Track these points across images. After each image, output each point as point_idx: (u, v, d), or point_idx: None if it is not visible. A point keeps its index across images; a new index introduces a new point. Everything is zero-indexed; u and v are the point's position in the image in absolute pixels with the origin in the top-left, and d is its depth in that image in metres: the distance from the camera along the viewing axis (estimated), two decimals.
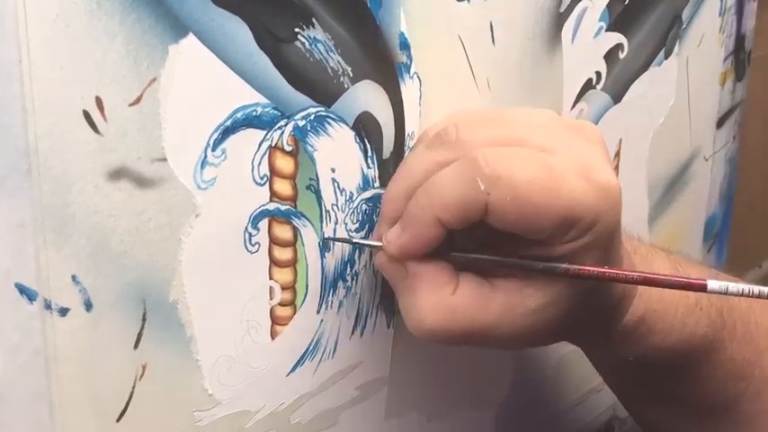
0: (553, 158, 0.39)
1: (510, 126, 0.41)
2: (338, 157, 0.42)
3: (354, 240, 0.43)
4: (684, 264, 0.50)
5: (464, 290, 0.40)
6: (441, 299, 0.40)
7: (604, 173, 0.40)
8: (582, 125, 0.43)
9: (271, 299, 0.41)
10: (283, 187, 0.40)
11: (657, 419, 0.54)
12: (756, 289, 0.40)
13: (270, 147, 0.39)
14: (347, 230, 0.43)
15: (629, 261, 0.45)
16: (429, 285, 0.40)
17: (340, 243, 0.43)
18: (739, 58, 0.75)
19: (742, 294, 0.40)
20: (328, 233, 0.42)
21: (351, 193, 0.43)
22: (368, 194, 0.44)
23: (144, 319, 0.36)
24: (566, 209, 0.38)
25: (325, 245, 0.42)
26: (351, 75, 0.41)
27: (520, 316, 0.40)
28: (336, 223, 0.43)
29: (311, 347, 0.44)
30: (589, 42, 0.56)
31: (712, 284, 0.40)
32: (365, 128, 0.43)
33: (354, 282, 0.45)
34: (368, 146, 0.43)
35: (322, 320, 0.44)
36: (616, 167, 0.63)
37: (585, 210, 0.39)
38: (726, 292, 0.40)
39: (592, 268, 0.40)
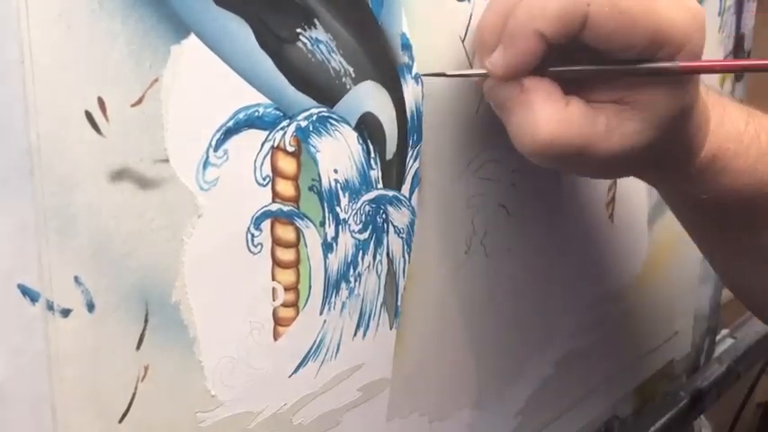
0: None
1: None
2: (341, 158, 0.42)
3: (451, 73, 0.44)
4: (757, 113, 0.52)
5: (575, 106, 0.42)
6: (557, 109, 0.41)
7: (694, 3, 0.42)
8: None
9: (273, 300, 0.41)
10: (286, 188, 0.40)
11: (739, 276, 0.57)
12: None
13: (272, 147, 0.39)
14: (350, 232, 0.43)
15: (703, 103, 0.47)
16: (545, 97, 0.41)
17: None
18: (738, 57, 0.75)
19: None
20: (331, 234, 0.42)
21: (354, 194, 0.43)
22: (371, 195, 0.44)
23: (146, 321, 0.36)
24: (660, 24, 0.40)
25: (327, 246, 0.42)
26: (353, 75, 0.41)
27: (620, 137, 0.42)
28: (339, 224, 0.42)
29: (314, 348, 0.43)
30: None
31: None
32: (368, 128, 0.43)
33: (357, 283, 0.44)
34: (370, 146, 0.43)
35: (325, 321, 0.43)
36: None
37: (677, 30, 0.40)
38: None
39: (695, 63, 0.42)
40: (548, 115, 0.41)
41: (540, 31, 0.40)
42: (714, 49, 0.71)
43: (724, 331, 0.97)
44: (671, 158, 0.47)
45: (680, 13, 0.41)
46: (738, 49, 0.75)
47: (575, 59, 0.42)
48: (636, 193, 0.67)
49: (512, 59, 0.41)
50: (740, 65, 0.43)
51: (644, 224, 0.69)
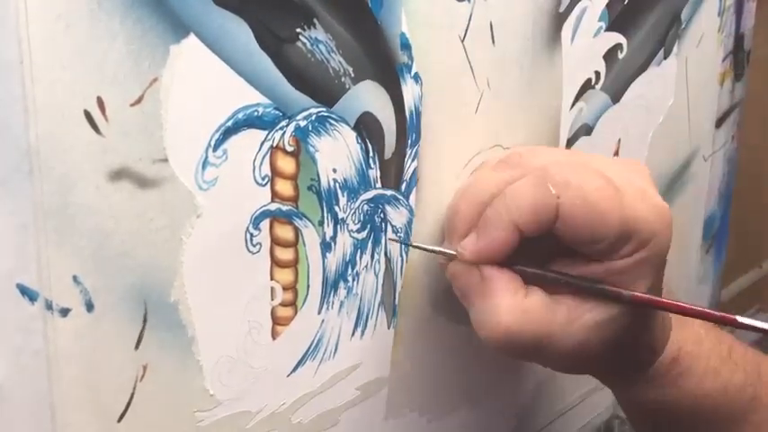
0: (614, 180, 0.42)
1: (572, 153, 0.45)
2: (340, 158, 0.42)
3: (429, 248, 0.45)
4: (713, 327, 0.52)
5: (534, 297, 0.42)
6: (516, 300, 0.42)
7: (658, 198, 0.44)
8: (631, 161, 0.47)
9: (272, 299, 0.41)
10: (285, 188, 0.40)
11: None
12: None
13: (271, 147, 0.39)
14: (349, 231, 0.43)
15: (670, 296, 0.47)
16: (505, 288, 0.42)
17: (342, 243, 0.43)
18: (738, 57, 0.75)
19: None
20: (329, 234, 0.42)
21: (352, 193, 0.43)
22: (369, 195, 0.44)
23: (145, 320, 0.36)
24: (627, 218, 0.41)
25: (326, 246, 0.42)
26: (352, 75, 0.41)
27: (580, 328, 0.43)
28: (338, 224, 0.43)
29: (312, 348, 0.44)
30: (588, 42, 0.56)
31: (741, 319, 0.42)
32: (367, 128, 0.43)
33: (355, 282, 0.45)
34: (369, 146, 0.43)
35: (323, 321, 0.44)
36: None
37: (643, 224, 0.41)
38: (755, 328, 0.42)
39: (646, 295, 0.43)
40: (508, 306, 0.42)
41: (515, 222, 0.41)
42: (714, 50, 0.71)
43: None
44: (632, 356, 0.47)
45: (647, 208, 0.42)
46: (738, 48, 0.75)
47: (544, 249, 0.43)
48: None
49: (484, 247, 0.42)
50: (696, 311, 0.43)
51: None
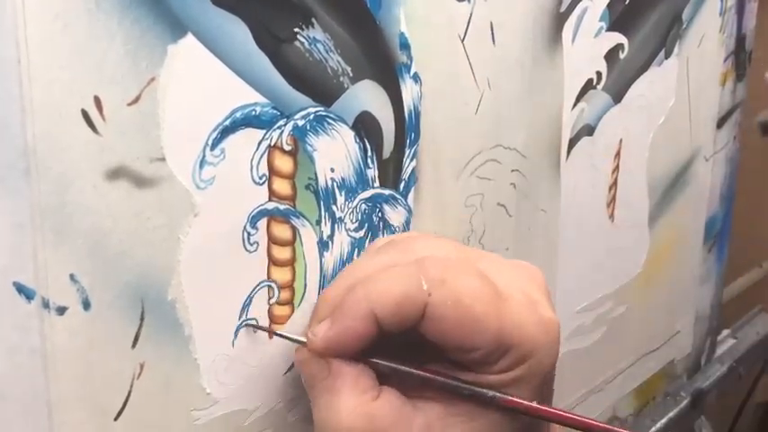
0: (501, 286, 0.38)
1: (464, 249, 0.41)
2: (338, 157, 0.42)
3: (278, 332, 0.41)
4: None
5: (385, 401, 0.38)
6: (362, 403, 0.37)
7: (547, 310, 0.39)
8: (526, 265, 0.42)
9: (269, 298, 0.41)
10: (282, 187, 0.40)
11: None
12: None
13: (269, 146, 0.39)
14: (346, 230, 0.43)
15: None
16: (351, 386, 0.38)
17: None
18: (740, 58, 0.75)
19: None
20: (327, 233, 0.42)
21: (350, 192, 0.43)
22: (367, 194, 0.44)
23: (142, 318, 0.36)
24: (505, 329, 0.37)
25: (323, 245, 0.42)
26: (350, 74, 0.41)
27: None
28: (335, 223, 0.43)
29: None
30: (589, 42, 0.56)
31: None
32: (365, 128, 0.43)
33: None
34: (367, 146, 0.43)
35: None
36: (616, 168, 0.63)
37: (524, 338, 0.37)
38: None
39: (523, 402, 0.38)
40: (351, 407, 0.37)
41: (375, 313, 0.37)
42: (715, 50, 0.71)
43: (725, 331, 0.97)
44: None
45: (532, 320, 0.38)
46: (740, 48, 0.75)
47: (410, 354, 0.39)
48: (637, 192, 0.67)
49: (336, 334, 0.37)
50: (570, 418, 0.38)
51: (645, 224, 0.69)
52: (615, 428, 0.38)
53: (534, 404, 0.38)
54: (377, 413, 0.37)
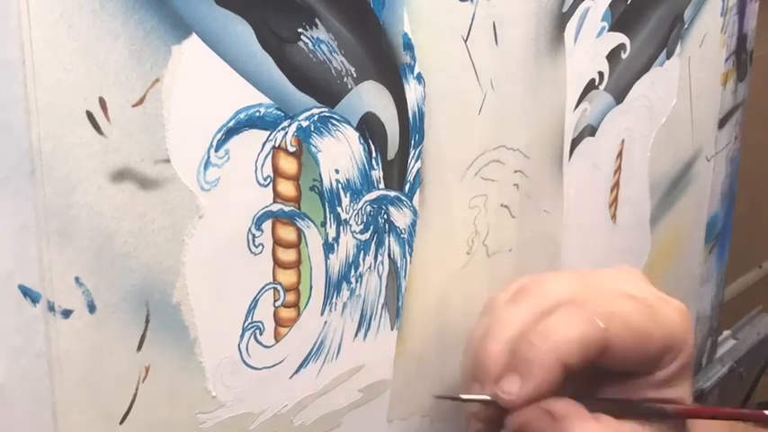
0: (638, 295, 0.41)
1: (580, 276, 0.43)
2: (342, 158, 0.42)
3: (465, 397, 0.42)
4: None
5: (611, 421, 0.40)
6: (603, 425, 0.40)
7: (675, 301, 0.42)
8: (630, 269, 0.45)
9: (275, 300, 0.41)
10: (287, 188, 0.40)
11: None
12: None
13: (273, 147, 0.39)
14: (351, 232, 0.43)
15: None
16: (582, 416, 0.40)
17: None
18: (741, 58, 0.75)
19: None
20: (332, 235, 0.42)
21: (355, 194, 0.43)
22: (372, 196, 0.44)
23: (147, 321, 0.36)
24: (667, 331, 0.40)
25: (329, 247, 0.42)
26: (354, 75, 0.41)
27: None
28: (340, 224, 0.42)
29: (315, 349, 0.43)
30: (591, 42, 0.56)
31: None
32: (369, 128, 0.42)
33: (358, 284, 0.44)
34: (372, 147, 0.43)
35: (326, 322, 0.43)
36: (619, 168, 0.63)
37: (676, 332, 0.41)
38: None
39: (696, 407, 0.43)
40: (598, 429, 0.40)
41: (561, 360, 0.39)
42: (717, 50, 0.71)
43: (726, 332, 0.96)
44: None
45: (676, 314, 0.41)
46: (741, 48, 0.75)
47: (582, 375, 0.41)
48: (638, 193, 0.67)
49: (533, 389, 0.39)
50: (731, 413, 0.43)
51: (646, 224, 0.69)
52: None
53: (702, 407, 0.44)
54: (618, 429, 0.40)
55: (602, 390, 0.42)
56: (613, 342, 0.39)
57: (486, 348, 0.41)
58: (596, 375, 0.41)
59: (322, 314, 0.43)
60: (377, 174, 0.44)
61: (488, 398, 0.40)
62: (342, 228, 0.43)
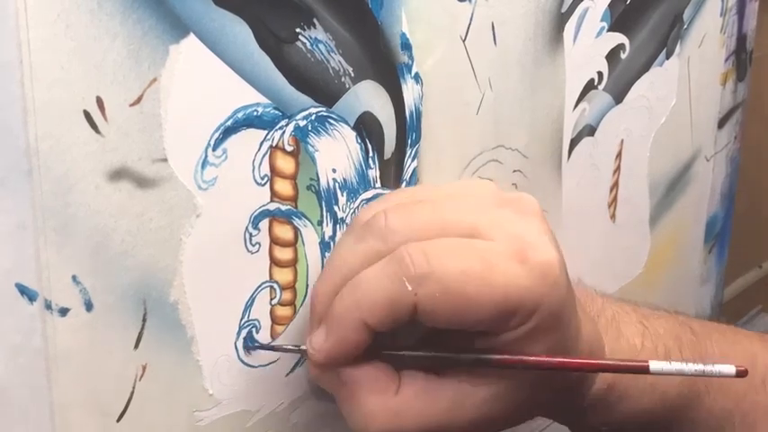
0: (485, 244, 0.37)
1: (440, 209, 0.39)
2: (339, 158, 0.42)
3: (278, 346, 0.41)
4: (653, 318, 0.48)
5: (408, 388, 0.38)
6: (383, 402, 0.37)
7: (542, 251, 0.38)
8: (518, 198, 0.40)
9: (271, 299, 0.41)
10: (284, 187, 0.40)
11: None
12: (694, 367, 0.39)
13: (271, 147, 0.39)
14: None
15: (593, 330, 0.43)
16: (368, 390, 0.38)
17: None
18: (741, 58, 0.75)
19: (682, 373, 0.39)
20: (329, 234, 0.42)
21: (352, 193, 0.43)
22: (369, 194, 0.44)
23: (144, 320, 0.36)
24: (502, 297, 0.36)
25: (325, 245, 0.42)
26: (352, 75, 0.41)
27: (472, 407, 0.38)
28: (337, 223, 0.43)
29: None
30: (591, 42, 0.56)
31: (654, 365, 0.38)
32: (366, 128, 0.43)
33: None
34: (369, 146, 0.43)
35: None
36: (618, 168, 0.63)
37: (524, 295, 0.36)
38: (666, 372, 0.39)
39: (523, 356, 0.38)
40: (374, 410, 0.37)
41: (365, 321, 0.36)
42: (716, 50, 0.71)
43: None
44: (554, 404, 0.43)
45: (525, 274, 0.37)
46: (741, 48, 0.75)
47: (425, 328, 0.38)
48: (638, 193, 0.67)
49: (332, 347, 0.37)
50: (603, 364, 0.40)
51: (646, 224, 0.69)
52: (638, 363, 0.38)
53: (531, 358, 0.38)
54: (402, 406, 0.37)
55: (449, 343, 0.39)
56: (424, 305, 0.36)
57: (315, 288, 0.40)
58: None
59: None
60: (374, 173, 0.44)
61: (298, 348, 0.40)
62: (338, 226, 0.43)
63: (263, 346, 0.41)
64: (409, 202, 0.40)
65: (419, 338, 0.40)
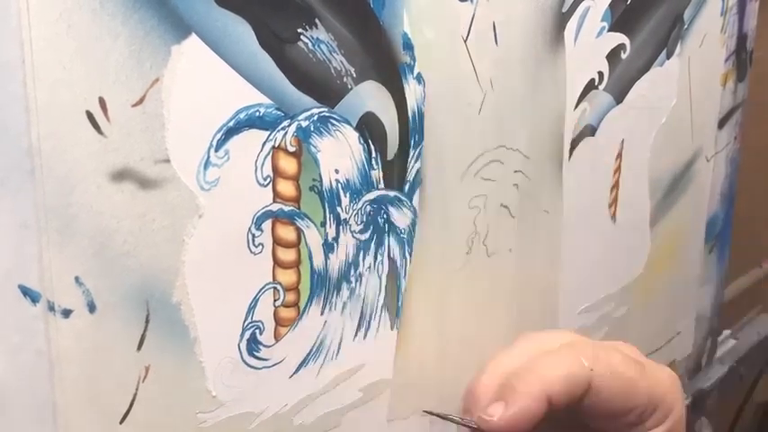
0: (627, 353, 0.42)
1: (575, 335, 0.44)
2: (342, 158, 0.42)
3: (451, 417, 0.43)
4: None
5: None
6: None
7: (664, 366, 0.43)
8: (620, 343, 0.45)
9: (274, 300, 0.41)
10: (287, 188, 0.40)
11: None
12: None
13: (273, 147, 0.39)
14: (351, 232, 0.43)
15: None
16: None
17: None
18: (741, 58, 0.75)
19: None
20: (332, 235, 0.42)
21: (355, 194, 0.43)
22: (372, 195, 0.44)
23: (147, 321, 0.36)
24: (652, 387, 0.41)
25: (328, 246, 0.42)
26: (354, 75, 0.41)
27: None
28: (340, 224, 0.42)
29: (315, 349, 0.43)
30: (591, 42, 0.56)
31: None
32: (369, 128, 0.42)
33: (358, 283, 0.44)
34: (372, 146, 0.43)
35: (326, 322, 0.43)
36: (618, 168, 0.63)
37: (666, 393, 0.41)
38: None
39: None
40: None
41: (547, 392, 0.40)
42: (717, 50, 0.71)
43: (726, 332, 0.96)
44: None
45: (666, 377, 0.42)
46: (741, 48, 0.75)
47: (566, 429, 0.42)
48: (638, 193, 0.67)
49: (513, 417, 0.40)
50: None
51: (646, 225, 0.69)
52: None
53: None
54: None
55: None
56: (598, 383, 0.40)
57: (479, 379, 0.42)
58: (582, 427, 0.42)
59: (322, 314, 0.43)
60: (376, 174, 0.44)
61: (472, 421, 0.41)
62: (341, 227, 0.43)
63: (439, 416, 0.43)
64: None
65: None
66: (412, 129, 0.45)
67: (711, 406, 0.89)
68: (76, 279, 0.33)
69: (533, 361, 0.41)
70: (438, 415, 0.43)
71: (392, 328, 0.47)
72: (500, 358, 0.43)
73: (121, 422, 0.36)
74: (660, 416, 0.41)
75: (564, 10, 0.53)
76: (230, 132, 0.37)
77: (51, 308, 0.33)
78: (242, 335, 0.40)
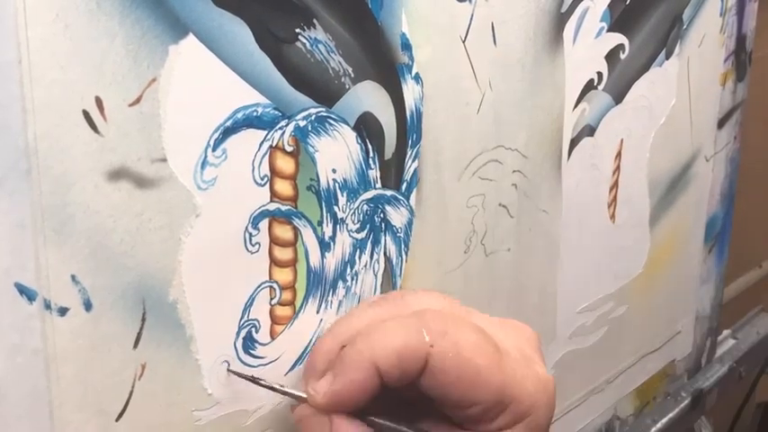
0: (499, 341, 0.38)
1: (456, 305, 0.40)
2: (339, 158, 0.42)
3: (276, 387, 0.40)
4: None
5: None
6: None
7: (543, 368, 0.39)
8: (520, 325, 0.41)
9: (271, 299, 0.41)
10: (284, 187, 0.40)
11: None
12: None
13: (270, 147, 0.39)
14: (348, 231, 0.43)
15: None
16: None
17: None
18: (740, 58, 0.75)
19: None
20: (328, 234, 0.42)
21: (352, 193, 0.43)
22: (369, 195, 0.44)
23: (143, 319, 0.36)
24: (506, 384, 0.36)
25: (325, 245, 0.42)
26: (352, 75, 0.41)
27: None
28: (337, 223, 0.43)
29: (310, 347, 0.44)
30: (590, 43, 0.56)
31: None
32: (367, 128, 0.43)
33: (354, 282, 0.45)
34: (369, 146, 0.43)
35: (321, 320, 0.44)
36: (617, 168, 0.63)
37: (524, 394, 0.37)
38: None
39: None
40: None
41: (378, 365, 0.36)
42: (716, 50, 0.71)
43: (726, 331, 0.96)
44: None
45: (528, 376, 0.37)
46: (740, 49, 0.75)
47: (411, 408, 0.38)
48: (638, 193, 0.67)
49: (339, 389, 0.36)
50: None
51: (645, 224, 0.69)
52: None
53: None
54: None
55: (421, 423, 0.39)
56: (436, 362, 0.36)
57: (320, 342, 0.39)
58: (424, 408, 0.38)
59: (318, 312, 0.43)
60: (374, 173, 0.44)
61: (294, 392, 0.39)
62: (338, 227, 0.43)
63: (246, 377, 0.40)
64: (423, 292, 0.42)
65: (402, 418, 0.39)
66: (410, 128, 0.45)
67: (711, 406, 0.89)
68: (73, 277, 0.33)
69: (371, 327, 0.37)
70: (264, 385, 0.39)
71: None
72: (345, 320, 0.40)
73: (117, 420, 0.36)
74: (509, 419, 0.37)
75: (563, 10, 0.53)
76: (227, 132, 0.37)
77: (48, 306, 0.33)
78: (238, 333, 0.40)
